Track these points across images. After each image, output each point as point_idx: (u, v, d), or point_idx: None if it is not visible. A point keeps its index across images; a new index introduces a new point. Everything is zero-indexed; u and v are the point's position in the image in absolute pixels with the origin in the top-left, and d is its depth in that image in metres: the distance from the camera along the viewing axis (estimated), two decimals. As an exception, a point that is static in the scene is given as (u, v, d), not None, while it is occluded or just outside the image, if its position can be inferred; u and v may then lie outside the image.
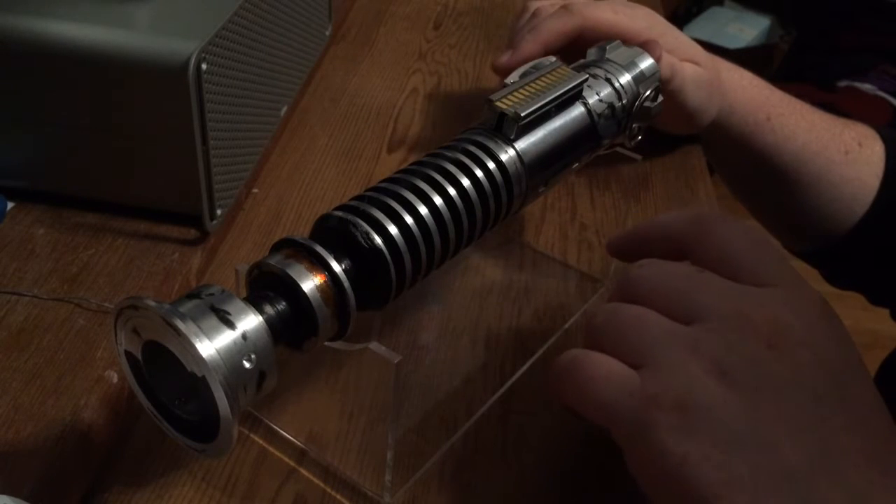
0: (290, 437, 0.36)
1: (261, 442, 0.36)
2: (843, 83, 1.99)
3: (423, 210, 0.33)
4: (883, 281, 0.60)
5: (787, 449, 0.27)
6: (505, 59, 0.52)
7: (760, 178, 0.58)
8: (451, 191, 0.34)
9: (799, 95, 0.58)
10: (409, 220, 0.33)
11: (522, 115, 0.36)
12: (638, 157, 0.44)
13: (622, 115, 0.42)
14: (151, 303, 0.27)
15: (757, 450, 0.27)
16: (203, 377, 0.27)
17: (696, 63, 0.53)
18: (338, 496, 0.35)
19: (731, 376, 0.28)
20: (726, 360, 0.28)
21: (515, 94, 0.38)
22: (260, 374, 0.28)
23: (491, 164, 0.36)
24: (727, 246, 0.32)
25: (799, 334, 0.29)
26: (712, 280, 0.31)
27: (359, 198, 0.34)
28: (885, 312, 0.62)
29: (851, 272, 0.62)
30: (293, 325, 0.30)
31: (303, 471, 0.35)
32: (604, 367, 0.30)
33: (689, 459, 0.27)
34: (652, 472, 0.28)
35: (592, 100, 0.41)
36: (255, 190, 0.52)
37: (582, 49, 0.48)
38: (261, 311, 0.29)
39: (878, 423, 0.29)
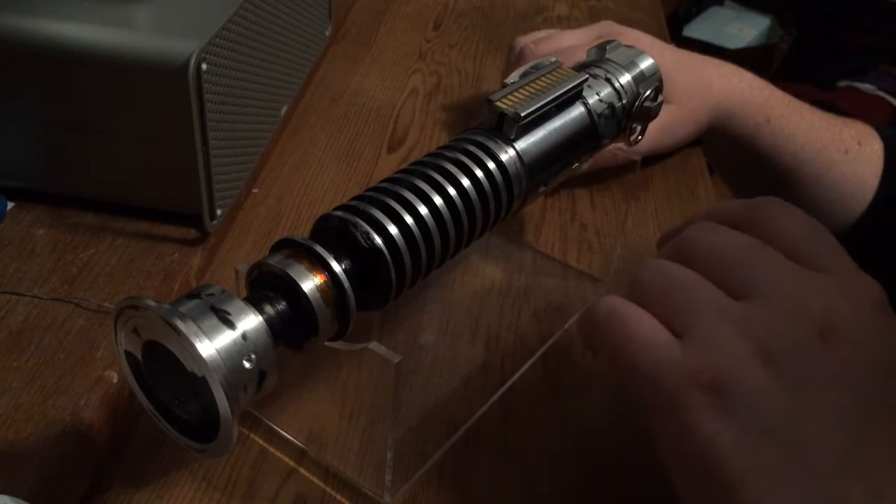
0: (290, 437, 0.36)
1: (261, 442, 0.36)
2: (843, 83, 1.99)
3: (423, 210, 0.33)
4: (882, 278, 0.60)
5: (820, 445, 0.26)
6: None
7: (761, 178, 0.59)
8: (451, 191, 0.34)
9: (799, 95, 0.59)
10: (409, 220, 0.33)
11: (522, 115, 0.36)
12: (638, 156, 0.44)
13: (622, 115, 0.42)
14: (151, 303, 0.27)
15: (789, 442, 0.26)
16: (203, 377, 0.27)
17: (678, 93, 0.53)
18: (338, 496, 0.35)
19: (777, 363, 0.27)
20: (774, 346, 0.27)
21: (515, 94, 0.38)
22: (260, 374, 0.28)
23: (491, 164, 0.36)
24: (786, 229, 0.31)
25: (854, 330, 0.28)
26: (773, 257, 0.29)
27: (359, 198, 0.34)
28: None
29: None
30: (293, 325, 0.30)
31: (303, 471, 0.35)
32: (645, 329, 0.28)
33: (719, 441, 0.26)
34: (677, 447, 0.27)
35: (592, 100, 0.41)
36: (255, 190, 0.52)
37: None
38: (261, 311, 0.29)
39: None
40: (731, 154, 0.59)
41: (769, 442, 0.26)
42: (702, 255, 0.30)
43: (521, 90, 0.38)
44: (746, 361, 0.27)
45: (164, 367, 0.28)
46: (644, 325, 0.29)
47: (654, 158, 0.58)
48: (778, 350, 0.27)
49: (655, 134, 0.51)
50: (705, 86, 0.55)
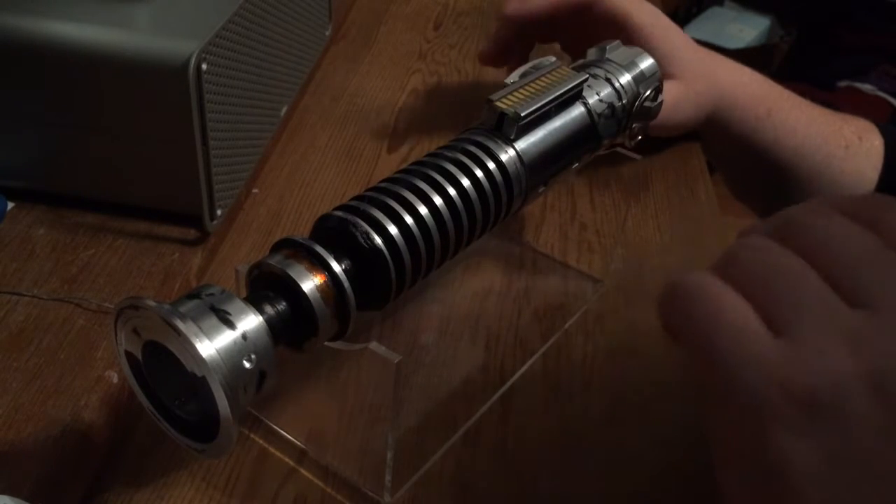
0: (290, 437, 0.36)
1: (261, 442, 0.36)
2: (843, 83, 1.99)
3: (423, 210, 0.33)
4: None
5: None
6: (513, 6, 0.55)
7: (761, 173, 0.59)
8: (451, 191, 0.34)
9: (798, 95, 0.59)
10: (409, 220, 0.33)
11: (522, 114, 0.36)
12: (638, 156, 0.44)
13: (622, 115, 0.42)
14: (151, 303, 0.27)
15: (871, 483, 0.23)
16: (203, 377, 0.27)
17: (688, 71, 0.54)
18: (338, 496, 0.35)
19: (888, 394, 0.23)
20: (889, 372, 0.23)
21: (515, 93, 0.38)
22: (260, 374, 0.28)
23: (491, 164, 0.36)
24: None
25: None
26: None
27: (359, 198, 0.34)
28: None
29: None
30: (293, 325, 0.30)
31: (303, 471, 0.35)
32: (738, 316, 0.24)
33: (793, 461, 0.23)
34: (743, 452, 0.24)
35: (592, 100, 0.41)
36: (255, 190, 0.52)
37: (583, 28, 0.52)
38: (261, 311, 0.29)
39: None
40: (731, 148, 0.59)
41: (848, 476, 0.23)
42: (813, 243, 0.25)
43: (521, 90, 0.38)
44: (852, 382, 0.23)
45: (164, 367, 0.28)
46: (737, 311, 0.24)
47: (653, 157, 0.58)
48: (893, 378, 0.23)
49: (663, 111, 0.51)
50: (712, 73, 0.55)
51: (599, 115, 0.41)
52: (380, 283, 0.32)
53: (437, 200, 0.34)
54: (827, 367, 0.23)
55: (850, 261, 0.25)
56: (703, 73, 0.55)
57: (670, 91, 0.51)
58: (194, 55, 0.39)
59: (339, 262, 0.31)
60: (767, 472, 0.23)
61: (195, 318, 0.27)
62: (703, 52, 0.57)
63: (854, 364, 0.23)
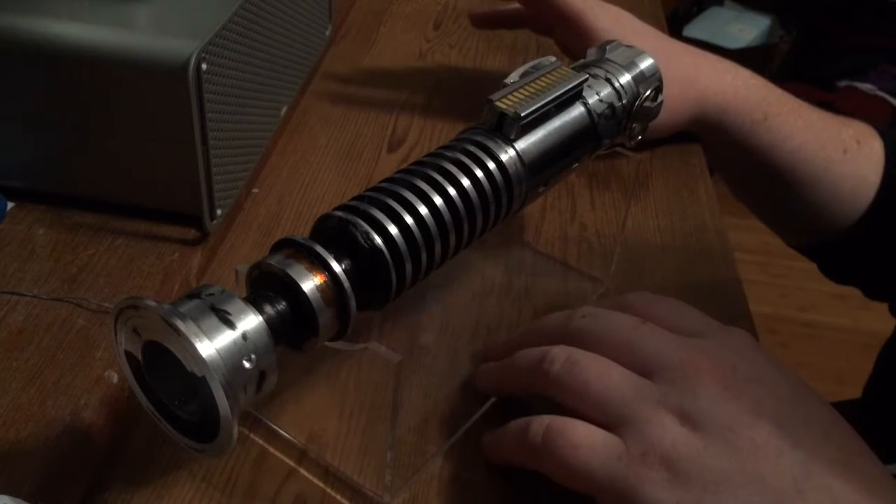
0: (290, 437, 0.36)
1: (261, 442, 0.36)
2: (843, 83, 1.99)
3: (423, 210, 0.33)
4: (882, 276, 0.60)
5: (771, 476, 0.29)
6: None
7: (759, 177, 0.58)
8: (451, 191, 0.34)
9: (799, 95, 0.58)
10: (409, 220, 0.33)
11: (522, 115, 0.36)
12: (637, 156, 0.44)
13: (622, 115, 0.42)
14: (151, 303, 0.27)
15: (744, 484, 0.29)
16: (203, 377, 0.27)
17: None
18: (338, 496, 0.35)
19: (703, 423, 0.30)
20: (695, 409, 0.30)
21: (515, 94, 0.38)
22: (260, 374, 0.28)
23: (491, 164, 0.36)
24: (655, 308, 0.36)
25: (745, 371, 0.32)
26: (655, 330, 0.34)
27: (359, 198, 0.34)
28: (885, 312, 0.62)
29: (851, 267, 0.62)
30: (293, 325, 0.30)
31: (303, 471, 0.35)
32: (585, 435, 0.31)
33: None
34: None
35: (592, 100, 0.41)
36: (255, 190, 0.52)
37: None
38: (261, 311, 0.29)
39: (841, 433, 0.31)
40: (728, 152, 0.59)
41: (727, 490, 0.29)
42: (594, 340, 0.34)
43: (521, 90, 0.38)
44: (679, 430, 0.30)
45: (164, 367, 0.28)
46: (583, 432, 0.31)
47: (654, 158, 0.58)
48: (698, 412, 0.30)
49: None
50: (689, 78, 0.55)
51: (599, 115, 0.41)
52: (380, 283, 0.32)
53: (437, 200, 0.34)
54: (660, 430, 0.30)
55: (623, 345, 0.33)
56: (675, 77, 0.54)
57: None
58: (194, 55, 0.39)
59: (339, 262, 0.31)
60: None
61: (195, 318, 0.27)
62: (685, 54, 0.56)
63: (671, 418, 0.30)
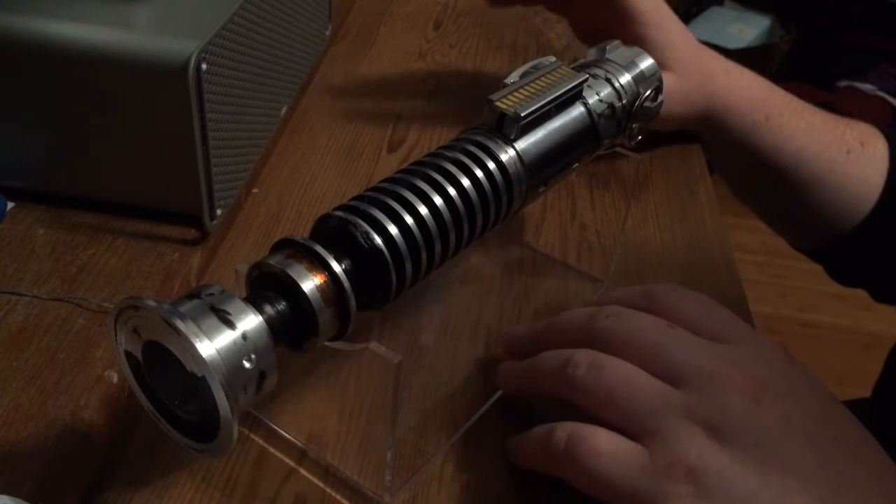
0: (290, 437, 0.36)
1: (261, 442, 0.36)
2: (843, 83, 1.99)
3: (423, 210, 0.33)
4: (889, 279, 0.60)
5: (799, 495, 0.28)
6: None
7: (761, 178, 0.58)
8: (451, 191, 0.34)
9: (799, 95, 0.58)
10: (409, 220, 0.33)
11: (522, 115, 0.36)
12: (637, 156, 0.44)
13: (622, 115, 0.42)
14: (151, 303, 0.27)
15: (770, 502, 0.28)
16: (203, 377, 0.27)
17: (682, 64, 0.53)
18: (338, 496, 0.35)
19: (732, 438, 0.29)
20: (723, 423, 0.30)
21: (515, 94, 0.38)
22: (260, 374, 0.28)
23: (491, 164, 0.36)
24: (684, 309, 0.34)
25: (777, 386, 0.31)
26: (683, 336, 0.33)
27: (359, 198, 0.34)
28: (885, 312, 0.62)
29: (857, 269, 0.61)
30: (293, 325, 0.30)
31: (303, 471, 0.35)
32: (608, 443, 0.30)
33: None
34: None
35: (592, 100, 0.41)
36: (255, 190, 0.52)
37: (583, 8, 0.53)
38: (261, 311, 0.29)
39: (871, 452, 0.31)
40: (730, 153, 0.59)
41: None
42: (620, 343, 0.33)
43: (521, 90, 0.38)
44: (707, 444, 0.29)
45: (164, 367, 0.28)
46: (605, 440, 0.31)
47: (654, 158, 0.58)
48: (728, 426, 0.30)
49: None
50: (707, 73, 0.55)
51: (599, 115, 0.41)
52: (380, 283, 0.32)
53: (437, 200, 0.34)
54: (687, 443, 0.29)
55: (650, 349, 0.32)
56: (697, 69, 0.54)
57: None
58: (194, 55, 0.39)
59: (339, 261, 0.31)
60: None
61: (195, 318, 0.27)
62: (703, 49, 0.56)
63: (699, 430, 0.30)
